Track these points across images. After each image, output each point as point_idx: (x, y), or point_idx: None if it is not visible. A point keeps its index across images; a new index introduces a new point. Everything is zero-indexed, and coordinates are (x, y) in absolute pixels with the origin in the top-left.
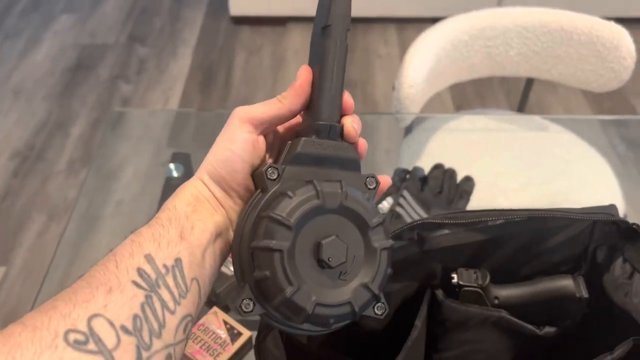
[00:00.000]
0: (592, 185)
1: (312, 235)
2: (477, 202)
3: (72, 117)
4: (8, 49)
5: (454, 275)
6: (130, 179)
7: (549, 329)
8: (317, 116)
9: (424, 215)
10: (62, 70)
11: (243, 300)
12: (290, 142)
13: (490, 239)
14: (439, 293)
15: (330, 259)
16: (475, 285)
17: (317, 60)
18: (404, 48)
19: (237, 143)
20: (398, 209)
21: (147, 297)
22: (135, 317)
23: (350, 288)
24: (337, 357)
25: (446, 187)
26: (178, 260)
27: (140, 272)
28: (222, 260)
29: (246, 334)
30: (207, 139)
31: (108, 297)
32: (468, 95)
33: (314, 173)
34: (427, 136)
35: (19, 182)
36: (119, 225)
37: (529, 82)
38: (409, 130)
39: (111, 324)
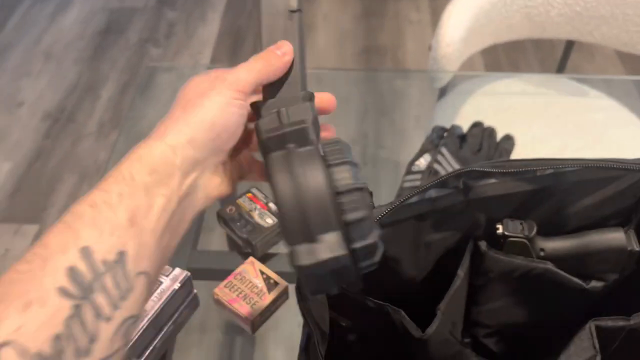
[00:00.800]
0: (631, 152)
1: None
2: None
3: (102, 80)
4: (38, 12)
5: (499, 226)
6: None
7: (595, 283)
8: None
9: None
10: (91, 33)
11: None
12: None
13: (538, 190)
14: (482, 244)
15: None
16: (521, 236)
17: None
18: (436, 14)
19: (230, 115)
20: (436, 166)
21: (76, 307)
22: (56, 338)
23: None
24: (375, 302)
25: (485, 145)
26: (122, 254)
27: (72, 273)
28: (189, 224)
29: (282, 284)
30: None
31: (24, 316)
32: (501, 61)
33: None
34: (462, 99)
35: (51, 143)
36: None
37: (569, 45)
38: (443, 92)
39: (23, 353)
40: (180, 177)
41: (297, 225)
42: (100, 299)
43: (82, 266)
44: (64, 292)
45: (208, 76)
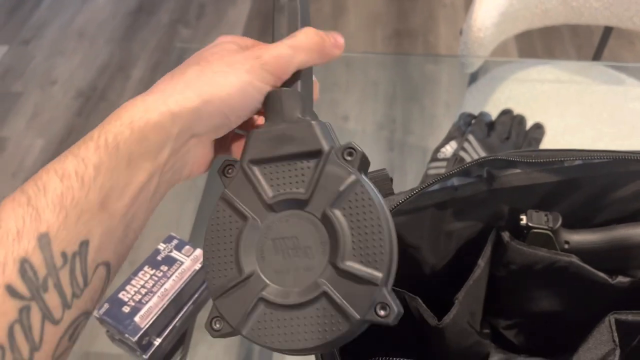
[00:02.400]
0: None
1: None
2: None
3: (133, 59)
4: None
5: (523, 217)
6: None
7: (622, 279)
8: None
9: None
10: (123, 13)
11: (212, 321)
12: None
13: (565, 181)
14: (505, 234)
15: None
16: (546, 227)
17: (285, 23)
18: None
19: (244, 95)
20: (462, 154)
21: (22, 311)
22: None
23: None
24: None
25: (514, 133)
26: (84, 244)
27: (23, 268)
28: (156, 202)
29: None
30: None
31: None
32: (536, 47)
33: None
34: (493, 85)
35: (83, 121)
36: None
37: (607, 31)
38: (473, 78)
39: None
40: (171, 151)
41: None
42: (51, 300)
43: (37, 259)
44: (11, 291)
45: (242, 44)
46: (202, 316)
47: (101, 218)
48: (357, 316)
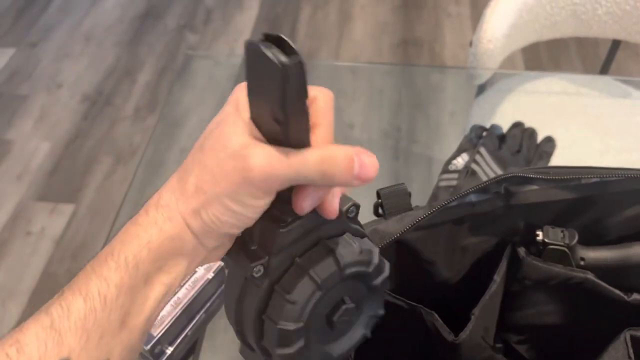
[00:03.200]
0: None
1: (321, 314)
2: None
3: (140, 64)
4: None
5: (539, 233)
6: (194, 128)
7: (637, 296)
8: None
9: (501, 173)
10: (131, 17)
11: None
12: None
13: (581, 198)
14: (521, 250)
15: (343, 325)
16: (562, 244)
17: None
18: (475, 8)
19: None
20: (473, 166)
21: None
22: None
23: (359, 326)
24: (408, 303)
25: (525, 146)
26: None
27: None
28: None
29: None
30: None
31: None
32: (542, 59)
33: (300, 248)
34: (501, 97)
35: (88, 124)
36: None
37: (615, 45)
38: (481, 89)
39: None
40: (187, 265)
41: None
42: None
43: None
44: None
45: (231, 151)
46: (213, 325)
47: (122, 337)
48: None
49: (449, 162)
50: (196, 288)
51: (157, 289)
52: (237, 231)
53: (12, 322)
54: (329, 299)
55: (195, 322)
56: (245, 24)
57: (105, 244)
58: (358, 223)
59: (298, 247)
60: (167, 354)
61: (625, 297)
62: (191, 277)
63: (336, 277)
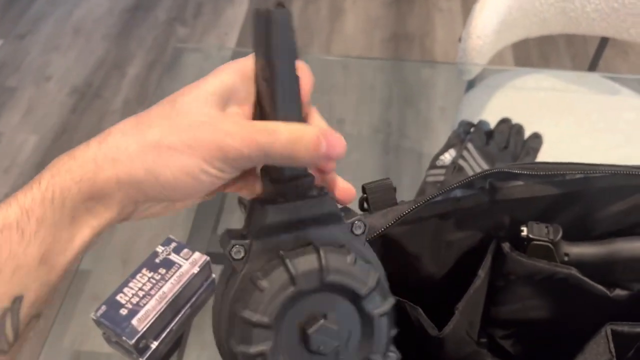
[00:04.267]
0: None
1: (296, 323)
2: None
3: (129, 57)
4: None
5: (524, 228)
6: None
7: (620, 292)
8: (280, 175)
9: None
10: (121, 10)
11: None
12: (252, 201)
13: (566, 194)
14: (505, 245)
15: (322, 348)
16: (546, 239)
17: (267, 97)
18: (466, 3)
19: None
20: (461, 162)
21: None
22: None
23: None
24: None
25: (512, 142)
26: (18, 300)
27: None
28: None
29: None
30: None
31: None
32: (531, 56)
33: (286, 241)
34: (490, 93)
35: (77, 118)
36: None
37: (603, 42)
38: (470, 85)
39: None
40: (117, 212)
41: None
42: None
43: None
44: None
45: (237, 80)
46: (199, 319)
47: (40, 273)
48: None
49: (436, 157)
50: (181, 282)
51: (84, 231)
52: (181, 199)
53: None
54: (306, 306)
55: (181, 317)
56: (236, 18)
57: None
58: (365, 244)
59: (287, 243)
60: (152, 349)
61: (608, 292)
62: (176, 271)
63: (315, 277)
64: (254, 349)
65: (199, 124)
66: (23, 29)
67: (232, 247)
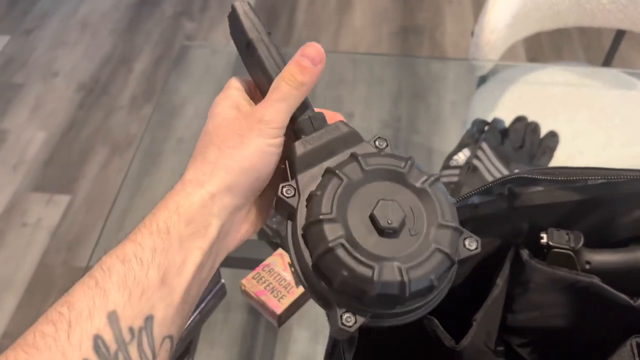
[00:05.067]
0: None
1: (360, 214)
2: (553, 160)
3: (136, 52)
4: None
5: (544, 235)
6: (191, 117)
7: None
8: (293, 118)
9: (503, 169)
10: (127, 5)
11: (341, 317)
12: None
13: (588, 200)
14: (524, 252)
15: (390, 222)
16: (567, 247)
17: (260, 74)
18: None
19: (272, 155)
20: (475, 162)
21: None
22: None
23: (428, 236)
24: None
25: (528, 141)
26: (150, 319)
27: (97, 342)
28: (213, 272)
29: None
30: None
31: None
32: (544, 49)
33: (325, 165)
34: (503, 88)
35: (84, 114)
36: (178, 162)
37: (619, 34)
38: (482, 80)
39: None
40: (217, 226)
41: None
42: None
43: (107, 335)
44: None
45: (241, 108)
46: (208, 326)
47: (162, 294)
48: (455, 258)
49: (450, 157)
50: None
51: (194, 253)
52: (256, 186)
53: (8, 314)
54: (363, 197)
55: (189, 324)
56: None
57: (101, 235)
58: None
59: (321, 167)
60: None
61: (632, 301)
62: None
63: (357, 170)
64: (332, 243)
65: (236, 122)
66: (29, 25)
67: (282, 189)
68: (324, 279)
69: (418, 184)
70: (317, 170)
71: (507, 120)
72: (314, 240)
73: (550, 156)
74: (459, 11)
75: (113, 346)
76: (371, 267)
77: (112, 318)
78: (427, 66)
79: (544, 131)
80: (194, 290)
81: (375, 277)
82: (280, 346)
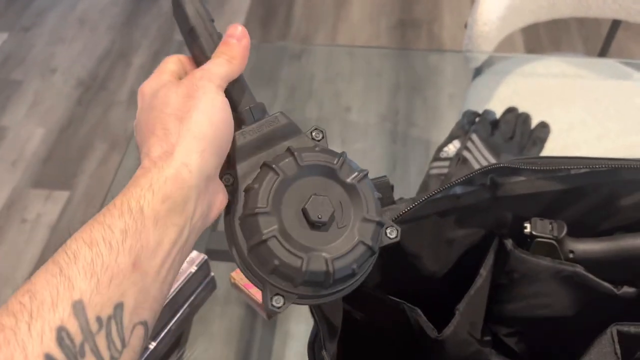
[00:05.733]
0: None
1: (293, 208)
2: (548, 151)
3: (134, 47)
4: None
5: (527, 225)
6: None
7: (627, 289)
8: (234, 107)
9: (493, 161)
10: (125, 0)
11: (271, 299)
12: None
13: (570, 189)
14: (508, 242)
15: (320, 216)
16: (550, 236)
17: (201, 56)
18: None
19: (225, 111)
20: (465, 153)
21: None
22: None
23: (353, 229)
24: (391, 299)
25: (518, 132)
26: (119, 307)
27: (60, 334)
28: (191, 248)
29: None
30: (266, 74)
31: None
32: (542, 40)
33: (263, 157)
34: (498, 80)
35: (83, 110)
36: None
37: (615, 25)
38: (478, 72)
39: None
40: (196, 199)
41: None
42: None
43: (72, 326)
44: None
45: (179, 74)
46: (198, 318)
47: (134, 279)
48: (377, 249)
49: (440, 149)
50: (179, 282)
51: (170, 232)
52: (224, 146)
53: None
54: (296, 191)
55: (179, 317)
56: (240, 5)
57: None
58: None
59: (266, 157)
60: (150, 349)
61: (615, 290)
62: None
63: (292, 165)
64: (265, 234)
65: (187, 84)
66: (27, 21)
67: (223, 177)
68: (257, 265)
69: (348, 180)
70: (256, 161)
71: (502, 112)
72: (249, 230)
73: (541, 147)
74: (456, 4)
75: (78, 337)
76: (300, 258)
77: (78, 308)
78: (424, 59)
79: (537, 121)
80: (172, 271)
81: (304, 267)
82: (279, 338)
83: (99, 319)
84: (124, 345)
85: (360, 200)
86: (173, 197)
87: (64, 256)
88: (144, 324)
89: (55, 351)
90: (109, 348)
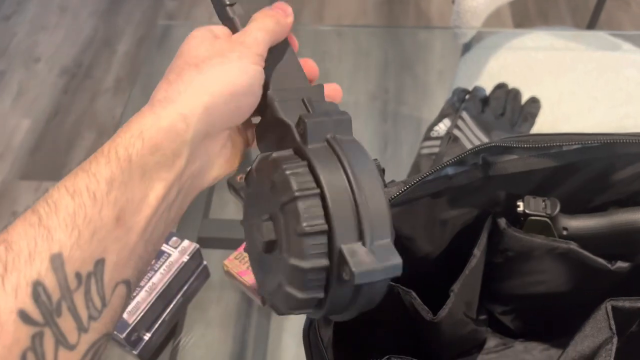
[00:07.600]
0: None
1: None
2: (539, 125)
3: (118, 33)
4: None
5: (520, 203)
6: None
7: (621, 264)
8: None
9: (484, 138)
10: None
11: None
12: None
13: (563, 166)
14: (502, 221)
15: (260, 241)
16: (543, 214)
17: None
18: None
19: (254, 78)
20: (456, 132)
21: (35, 337)
22: None
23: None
24: None
25: (509, 108)
26: (100, 263)
27: (36, 290)
28: (182, 212)
29: None
30: None
31: None
32: (530, 13)
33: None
34: (487, 55)
35: (69, 99)
36: None
37: None
38: (467, 48)
39: None
40: (188, 156)
41: (352, 224)
42: (66, 324)
43: (50, 281)
44: (24, 317)
45: (220, 35)
46: (192, 307)
47: (118, 234)
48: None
49: (430, 128)
50: (171, 272)
51: (157, 186)
52: (235, 116)
53: None
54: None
55: (173, 307)
56: None
57: None
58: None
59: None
60: (145, 341)
61: (609, 265)
62: (165, 261)
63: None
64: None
65: (214, 42)
66: (7, 10)
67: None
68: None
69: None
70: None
71: (492, 87)
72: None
73: (532, 122)
74: None
75: (56, 294)
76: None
77: (57, 262)
78: (413, 36)
79: (527, 97)
80: (158, 231)
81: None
82: (275, 324)
83: (78, 275)
84: (104, 304)
85: (295, 244)
86: (163, 150)
87: (44, 205)
88: (127, 283)
89: (31, 308)
90: (87, 307)
